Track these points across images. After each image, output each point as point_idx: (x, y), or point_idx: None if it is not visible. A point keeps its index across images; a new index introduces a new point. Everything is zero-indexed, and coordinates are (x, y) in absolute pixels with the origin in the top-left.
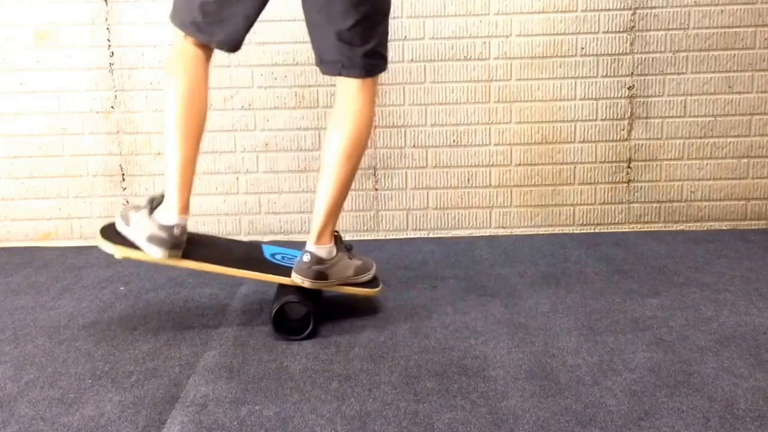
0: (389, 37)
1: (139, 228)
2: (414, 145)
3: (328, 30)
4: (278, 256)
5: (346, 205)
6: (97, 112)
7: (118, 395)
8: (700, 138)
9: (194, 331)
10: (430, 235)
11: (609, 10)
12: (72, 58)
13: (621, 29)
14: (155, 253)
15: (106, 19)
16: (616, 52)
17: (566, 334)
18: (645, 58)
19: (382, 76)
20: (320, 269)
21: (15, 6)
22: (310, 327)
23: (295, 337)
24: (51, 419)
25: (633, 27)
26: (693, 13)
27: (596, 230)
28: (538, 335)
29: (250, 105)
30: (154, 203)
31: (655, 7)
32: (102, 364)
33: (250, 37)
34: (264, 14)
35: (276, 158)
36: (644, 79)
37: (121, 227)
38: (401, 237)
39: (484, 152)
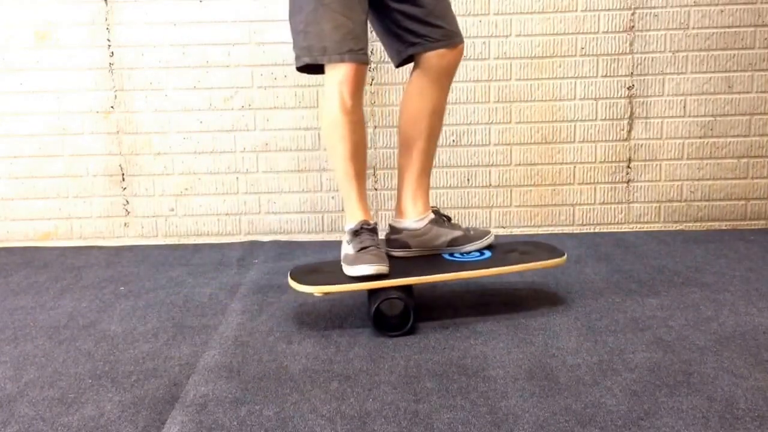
0: None
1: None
2: None
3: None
4: (457, 255)
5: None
6: (97, 112)
7: (118, 395)
8: (700, 138)
9: (194, 331)
10: None
11: (609, 10)
12: (72, 58)
13: (621, 29)
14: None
15: (106, 19)
16: (616, 52)
17: (566, 334)
18: (645, 58)
19: (382, 76)
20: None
21: (15, 6)
22: (410, 322)
23: (395, 333)
24: (51, 419)
25: (633, 27)
26: (693, 13)
27: (596, 230)
28: (538, 335)
29: (250, 105)
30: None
31: (655, 7)
32: (102, 364)
33: (250, 37)
34: (264, 14)
35: (276, 158)
36: (644, 79)
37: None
38: None
39: (484, 152)
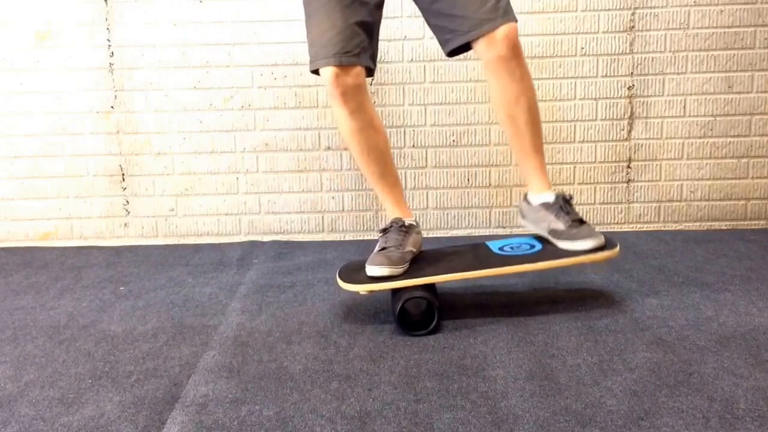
0: (390, 37)
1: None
2: (414, 145)
3: None
4: (506, 248)
5: (347, 205)
6: (97, 112)
7: (118, 395)
8: (700, 138)
9: (194, 331)
10: (430, 235)
11: (609, 10)
12: (72, 58)
13: (621, 29)
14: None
15: (106, 19)
16: (616, 52)
17: (566, 334)
18: (645, 57)
19: (382, 76)
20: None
21: (15, 6)
22: (435, 320)
23: (420, 332)
24: (51, 419)
25: (633, 27)
26: (693, 13)
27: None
28: (538, 335)
29: (250, 105)
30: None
31: (655, 7)
32: (102, 364)
33: (250, 37)
34: (264, 14)
35: (276, 158)
36: (644, 79)
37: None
38: None
39: (484, 152)
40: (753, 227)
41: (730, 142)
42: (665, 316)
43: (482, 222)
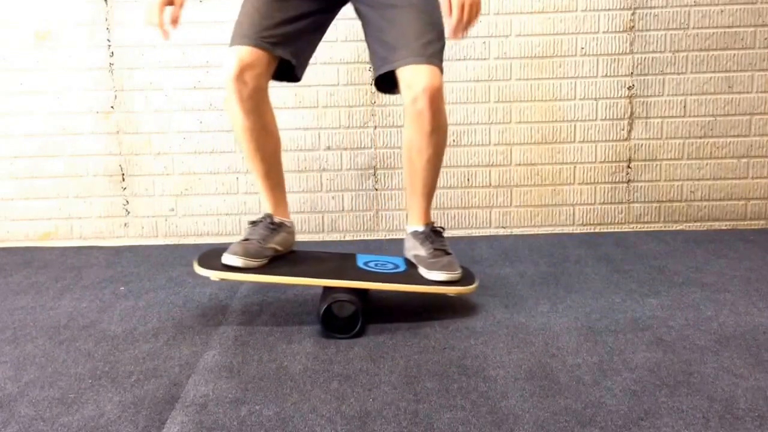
0: None
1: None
2: None
3: None
4: (371, 264)
5: (347, 205)
6: (97, 112)
7: (118, 395)
8: (700, 138)
9: (194, 331)
10: None
11: (609, 10)
12: (72, 58)
13: (621, 29)
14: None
15: (106, 19)
16: (616, 52)
17: (566, 334)
18: (645, 58)
19: None
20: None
21: (15, 6)
22: (359, 325)
23: (343, 336)
24: (51, 419)
25: (633, 27)
26: (693, 13)
27: (596, 230)
28: (538, 335)
29: None
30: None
31: (655, 7)
32: (102, 364)
33: None
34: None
35: None
36: (644, 79)
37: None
38: (401, 237)
39: (484, 152)
40: (753, 227)
41: (730, 142)
42: (665, 316)
43: (482, 222)
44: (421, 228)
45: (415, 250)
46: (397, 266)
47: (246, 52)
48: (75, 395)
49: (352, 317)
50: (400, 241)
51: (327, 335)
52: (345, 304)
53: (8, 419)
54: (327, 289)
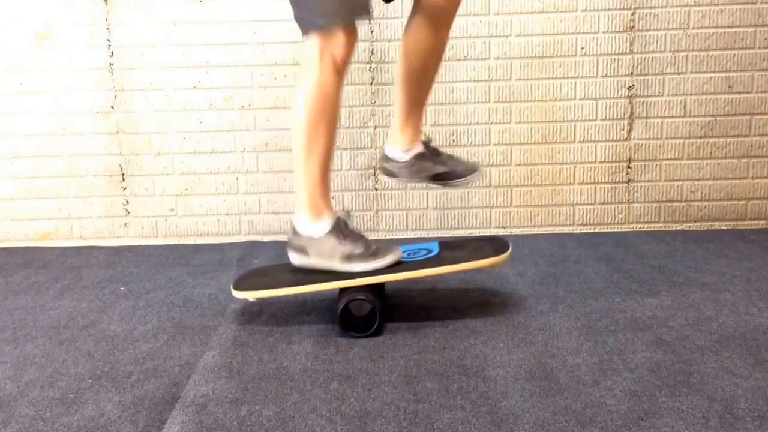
0: (390, 37)
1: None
2: None
3: None
4: (405, 254)
5: (347, 205)
6: (97, 112)
7: (118, 395)
8: (700, 138)
9: (194, 331)
10: (430, 235)
11: (609, 10)
12: (72, 58)
13: (621, 29)
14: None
15: (106, 19)
16: (616, 52)
17: (566, 334)
18: (645, 58)
19: (382, 76)
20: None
21: (15, 6)
22: (376, 323)
23: (360, 334)
24: (51, 419)
25: (633, 27)
26: (693, 13)
27: (596, 230)
28: (538, 335)
29: (250, 105)
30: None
31: (655, 7)
32: (102, 364)
33: (250, 37)
34: (264, 14)
35: (276, 158)
36: (644, 79)
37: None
38: (401, 237)
39: (484, 152)
40: (753, 227)
41: (730, 142)
42: (665, 316)
43: (482, 222)
44: (421, 149)
45: (434, 169)
46: (430, 251)
47: (354, 30)
48: (75, 395)
49: (369, 316)
50: (400, 241)
51: (344, 334)
52: (363, 303)
53: (8, 419)
54: (342, 289)
